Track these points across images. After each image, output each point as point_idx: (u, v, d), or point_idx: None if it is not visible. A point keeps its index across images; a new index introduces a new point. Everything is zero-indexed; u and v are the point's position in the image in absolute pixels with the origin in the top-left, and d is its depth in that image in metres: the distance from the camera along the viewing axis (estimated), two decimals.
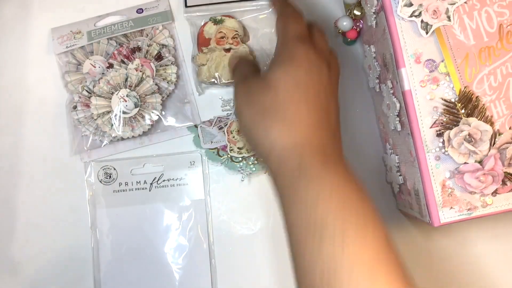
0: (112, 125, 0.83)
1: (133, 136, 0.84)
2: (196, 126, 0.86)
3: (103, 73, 0.85)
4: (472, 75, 0.67)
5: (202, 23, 0.88)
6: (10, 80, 0.88)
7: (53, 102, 0.87)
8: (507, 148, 0.66)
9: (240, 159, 0.84)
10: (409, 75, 0.67)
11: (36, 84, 0.88)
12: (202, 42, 0.87)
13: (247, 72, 0.70)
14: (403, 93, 0.68)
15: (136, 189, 0.86)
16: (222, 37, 0.86)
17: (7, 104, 0.88)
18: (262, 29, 0.88)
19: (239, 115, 0.66)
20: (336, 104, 0.68)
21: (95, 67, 0.86)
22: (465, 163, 0.67)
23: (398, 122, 0.71)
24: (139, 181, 0.86)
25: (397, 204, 0.83)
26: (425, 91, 0.67)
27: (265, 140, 0.62)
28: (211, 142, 0.85)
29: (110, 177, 0.85)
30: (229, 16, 0.87)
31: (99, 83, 0.84)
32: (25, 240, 0.85)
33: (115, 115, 0.83)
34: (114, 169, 0.86)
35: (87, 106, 0.84)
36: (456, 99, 0.67)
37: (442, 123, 0.67)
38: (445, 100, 0.67)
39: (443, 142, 0.67)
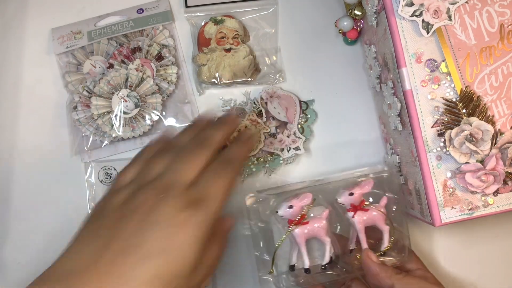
0: (112, 125, 0.83)
1: (133, 137, 0.84)
2: None
3: (103, 73, 0.85)
4: (473, 74, 0.67)
5: (203, 23, 0.88)
6: (10, 80, 0.88)
7: (53, 102, 0.87)
8: (508, 147, 0.66)
9: None
10: (410, 74, 0.67)
11: (36, 84, 0.88)
12: (202, 42, 0.87)
13: None
14: (404, 93, 0.68)
15: None
16: (223, 37, 0.86)
17: (7, 104, 0.87)
18: (262, 29, 0.89)
19: None
20: None
21: (95, 67, 0.86)
22: (466, 162, 0.67)
23: (399, 122, 0.71)
24: None
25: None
26: (426, 90, 0.67)
27: None
28: None
29: (110, 177, 0.85)
30: (230, 16, 0.87)
31: (99, 83, 0.84)
32: (25, 241, 0.85)
33: (116, 115, 0.83)
34: (115, 169, 0.85)
35: (88, 106, 0.84)
36: (457, 98, 0.67)
37: (443, 123, 0.67)
38: (446, 100, 0.67)
39: (444, 142, 0.67)
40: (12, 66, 0.88)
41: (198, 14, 0.88)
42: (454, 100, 0.67)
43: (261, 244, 0.73)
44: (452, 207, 0.67)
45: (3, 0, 0.90)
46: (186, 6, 0.88)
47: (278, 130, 0.84)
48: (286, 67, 0.88)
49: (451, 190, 0.67)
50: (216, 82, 0.85)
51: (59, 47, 0.87)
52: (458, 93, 0.67)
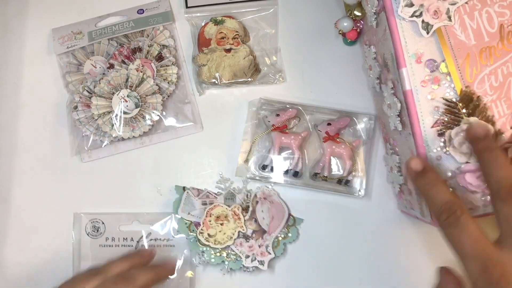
0: (112, 125, 0.83)
1: (133, 136, 0.84)
2: (184, 189, 0.85)
3: (103, 74, 0.85)
4: (473, 75, 0.67)
5: (203, 24, 0.88)
6: (11, 80, 0.88)
7: (54, 102, 0.88)
8: (508, 147, 0.66)
9: (205, 244, 0.82)
10: (410, 75, 0.67)
11: (36, 84, 0.88)
12: (202, 42, 0.87)
13: None
14: (404, 93, 0.68)
15: (122, 245, 0.84)
16: (223, 38, 0.86)
17: (7, 104, 0.88)
18: (262, 29, 0.89)
19: None
20: None
21: (95, 67, 0.86)
22: (466, 162, 0.66)
23: (399, 122, 0.71)
24: (126, 238, 0.84)
25: (398, 205, 0.84)
26: (426, 91, 0.67)
27: None
28: (189, 213, 0.83)
29: (97, 230, 0.84)
30: (230, 17, 0.88)
31: (99, 83, 0.84)
32: (25, 241, 0.85)
33: (116, 115, 0.83)
34: (103, 223, 0.85)
35: (88, 106, 0.84)
36: (457, 99, 0.67)
37: (443, 123, 0.67)
38: (446, 100, 0.67)
39: (444, 142, 0.67)
40: (13, 66, 0.89)
41: (198, 14, 0.89)
42: (454, 100, 0.67)
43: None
44: None
45: (4, 0, 0.90)
46: (187, 7, 0.88)
47: (254, 235, 0.83)
48: (286, 68, 0.88)
49: (451, 190, 0.67)
50: (216, 82, 0.86)
51: (60, 47, 0.87)
52: (458, 93, 0.67)
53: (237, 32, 0.86)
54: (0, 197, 0.86)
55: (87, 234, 0.84)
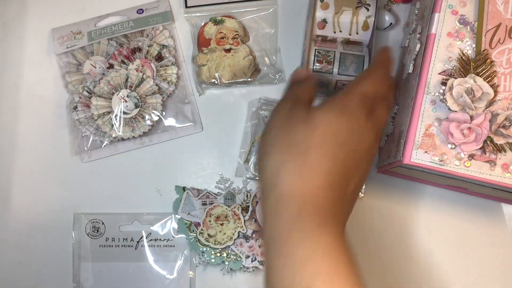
0: (112, 125, 0.83)
1: (133, 137, 0.84)
2: (184, 189, 0.85)
3: (103, 74, 0.85)
4: (496, 44, 0.69)
5: (202, 24, 0.88)
6: (10, 80, 0.88)
7: (53, 102, 0.87)
8: (499, 114, 0.67)
9: (205, 244, 0.82)
10: (440, 21, 0.70)
11: (36, 84, 0.88)
12: (202, 42, 0.87)
13: (302, 96, 0.67)
14: (428, 36, 0.71)
15: (122, 246, 0.84)
16: (222, 38, 0.87)
17: (7, 104, 0.88)
18: (262, 29, 0.89)
19: (267, 130, 0.63)
20: (362, 176, 0.65)
21: (95, 67, 0.86)
22: (456, 112, 0.68)
23: (412, 65, 0.74)
24: (126, 238, 0.84)
25: (377, 164, 0.85)
26: (447, 41, 0.70)
27: (274, 173, 0.58)
28: (189, 213, 0.83)
29: (97, 231, 0.84)
30: (229, 17, 0.88)
31: (99, 83, 0.84)
32: (25, 241, 0.85)
33: (116, 116, 0.83)
34: (103, 223, 0.85)
35: (88, 106, 0.84)
36: (473, 58, 0.69)
37: (450, 74, 0.69)
38: (462, 53, 0.69)
39: (444, 90, 0.69)
40: (13, 66, 0.89)
41: (198, 14, 0.89)
42: (469, 57, 0.69)
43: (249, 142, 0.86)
44: (426, 152, 0.68)
45: (3, 1, 0.91)
46: (186, 7, 0.89)
47: (254, 235, 0.83)
48: (286, 68, 0.88)
49: (432, 135, 0.68)
50: (216, 82, 0.86)
51: (59, 47, 0.87)
52: (476, 54, 0.69)
53: (237, 32, 0.87)
54: (0, 197, 0.85)
55: (87, 235, 0.84)
